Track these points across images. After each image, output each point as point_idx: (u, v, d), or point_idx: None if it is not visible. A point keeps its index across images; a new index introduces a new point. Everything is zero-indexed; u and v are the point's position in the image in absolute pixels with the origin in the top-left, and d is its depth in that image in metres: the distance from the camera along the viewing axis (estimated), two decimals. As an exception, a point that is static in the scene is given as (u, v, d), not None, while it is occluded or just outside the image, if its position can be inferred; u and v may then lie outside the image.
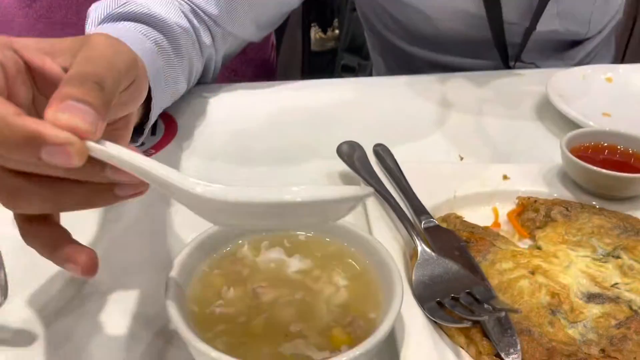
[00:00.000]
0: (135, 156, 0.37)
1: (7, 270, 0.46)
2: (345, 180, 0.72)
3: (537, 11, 0.99)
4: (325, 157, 0.74)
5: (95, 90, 0.37)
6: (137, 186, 0.40)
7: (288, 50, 1.60)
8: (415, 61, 1.15)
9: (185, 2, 0.83)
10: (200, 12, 0.84)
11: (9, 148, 0.34)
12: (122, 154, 0.37)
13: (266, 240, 0.51)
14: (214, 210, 0.38)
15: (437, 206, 0.64)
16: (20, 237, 0.62)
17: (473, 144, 0.81)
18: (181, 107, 0.86)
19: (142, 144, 0.77)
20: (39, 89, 0.42)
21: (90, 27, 0.75)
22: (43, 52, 0.42)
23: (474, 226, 0.60)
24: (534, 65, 1.09)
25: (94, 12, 0.75)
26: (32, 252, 0.59)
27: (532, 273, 0.53)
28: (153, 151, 0.78)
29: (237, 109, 0.89)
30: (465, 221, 0.61)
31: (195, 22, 0.83)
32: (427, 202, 0.63)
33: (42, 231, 0.41)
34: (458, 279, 0.51)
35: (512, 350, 0.46)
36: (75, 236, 0.61)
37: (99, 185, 0.39)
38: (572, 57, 1.14)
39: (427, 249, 0.54)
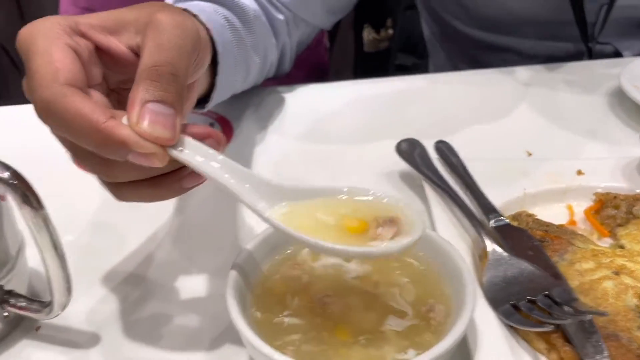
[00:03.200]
0: (209, 166, 0.39)
1: (70, 271, 0.46)
2: (406, 179, 0.69)
3: None
4: (384, 155, 0.71)
5: (171, 82, 0.39)
6: (201, 176, 0.41)
7: (340, 52, 1.58)
8: (484, 48, 1.10)
9: None
10: None
11: (103, 151, 0.38)
12: (199, 163, 0.39)
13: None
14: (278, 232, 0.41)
15: (506, 204, 0.60)
16: (81, 240, 0.63)
17: (541, 139, 0.77)
18: (236, 109, 0.86)
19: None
20: (106, 65, 0.44)
21: None
22: (107, 31, 0.43)
23: (548, 224, 0.56)
24: (611, 45, 1.03)
25: None
26: (94, 254, 0.60)
27: (617, 274, 0.49)
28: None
29: (292, 111, 0.88)
30: (538, 219, 0.57)
31: (267, 6, 0.82)
32: (495, 200, 0.59)
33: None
34: (534, 280, 0.47)
35: (598, 357, 0.42)
36: (132, 236, 0.61)
37: (168, 178, 0.41)
38: None
39: (499, 249, 0.51)
